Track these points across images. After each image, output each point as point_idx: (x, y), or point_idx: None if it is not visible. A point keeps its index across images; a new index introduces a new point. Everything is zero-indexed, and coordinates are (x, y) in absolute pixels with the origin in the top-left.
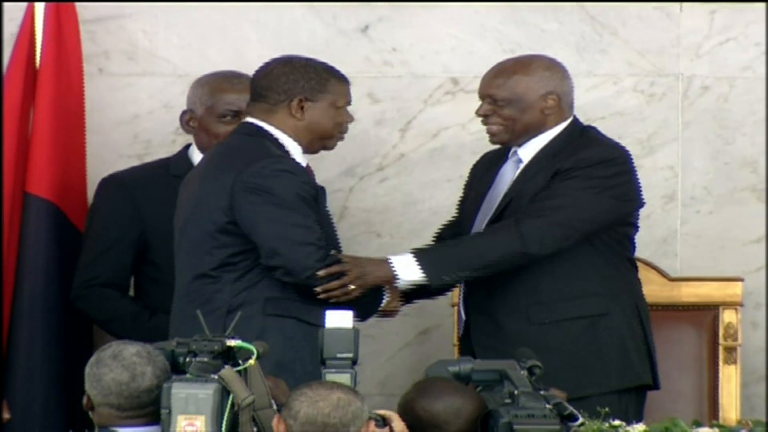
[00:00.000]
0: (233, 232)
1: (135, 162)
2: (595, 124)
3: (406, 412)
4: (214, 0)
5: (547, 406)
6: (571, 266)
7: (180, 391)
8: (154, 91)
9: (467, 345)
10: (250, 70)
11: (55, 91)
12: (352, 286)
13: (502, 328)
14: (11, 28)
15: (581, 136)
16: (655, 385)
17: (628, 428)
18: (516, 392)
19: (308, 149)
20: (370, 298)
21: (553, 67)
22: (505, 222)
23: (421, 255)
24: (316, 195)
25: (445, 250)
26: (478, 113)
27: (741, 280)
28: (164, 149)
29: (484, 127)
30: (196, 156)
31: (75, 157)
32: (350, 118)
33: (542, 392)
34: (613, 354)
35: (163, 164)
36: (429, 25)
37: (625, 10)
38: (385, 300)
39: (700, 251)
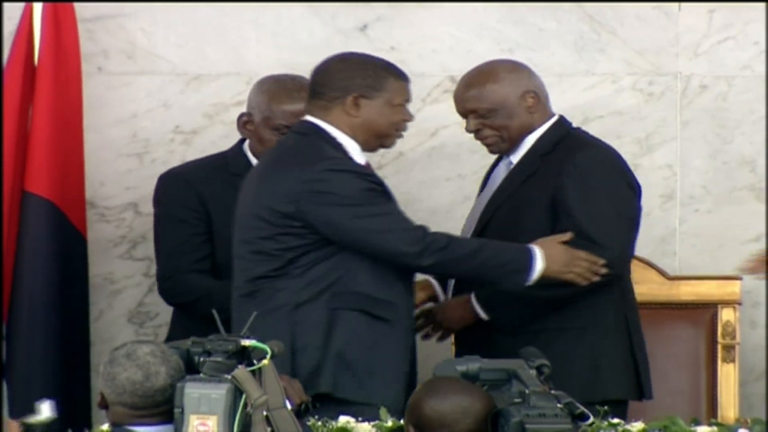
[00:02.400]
0: (295, 233)
1: (134, 161)
2: (593, 123)
3: (414, 411)
4: (214, 0)
5: (559, 405)
6: None
7: (193, 390)
8: (152, 89)
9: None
10: (247, 69)
11: (53, 90)
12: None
13: (490, 337)
14: (9, 27)
15: (568, 136)
16: (641, 396)
17: (627, 426)
18: (527, 391)
19: (366, 147)
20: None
21: (516, 68)
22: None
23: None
24: (383, 185)
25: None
26: (468, 130)
27: (739, 278)
28: (163, 148)
29: None
30: (252, 156)
31: (73, 155)
32: (409, 117)
33: (552, 391)
34: (579, 368)
35: (220, 159)
36: (427, 24)
37: (623, 9)
38: None
39: (698, 250)
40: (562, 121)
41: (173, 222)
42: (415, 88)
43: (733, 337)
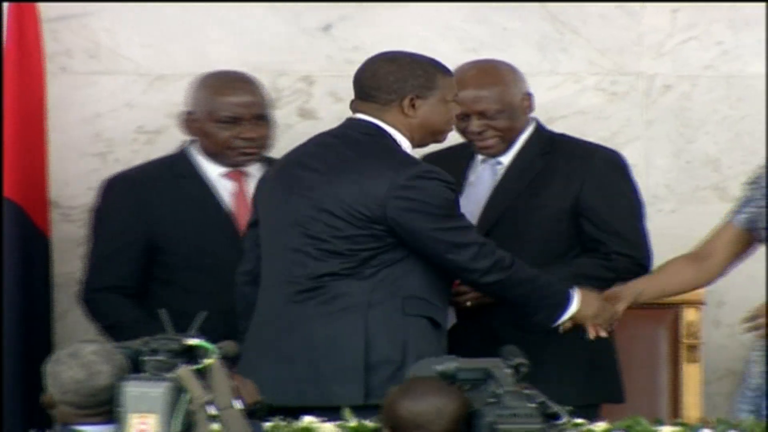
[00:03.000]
0: (376, 236)
1: (97, 161)
2: (557, 123)
3: (389, 412)
4: (176, 0)
5: (531, 405)
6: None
7: (133, 389)
8: (116, 89)
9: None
10: (212, 68)
11: (17, 90)
12: None
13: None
14: None
15: (554, 136)
16: (616, 400)
17: (590, 426)
18: (500, 391)
19: (419, 144)
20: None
21: (514, 70)
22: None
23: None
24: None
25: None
26: (470, 130)
27: None
28: (126, 148)
29: None
30: (198, 156)
31: (37, 155)
32: (459, 110)
33: (527, 391)
34: (576, 368)
35: (164, 163)
36: (392, 24)
37: (586, 8)
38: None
39: (662, 249)
40: (538, 122)
41: (106, 232)
42: None
43: (697, 337)
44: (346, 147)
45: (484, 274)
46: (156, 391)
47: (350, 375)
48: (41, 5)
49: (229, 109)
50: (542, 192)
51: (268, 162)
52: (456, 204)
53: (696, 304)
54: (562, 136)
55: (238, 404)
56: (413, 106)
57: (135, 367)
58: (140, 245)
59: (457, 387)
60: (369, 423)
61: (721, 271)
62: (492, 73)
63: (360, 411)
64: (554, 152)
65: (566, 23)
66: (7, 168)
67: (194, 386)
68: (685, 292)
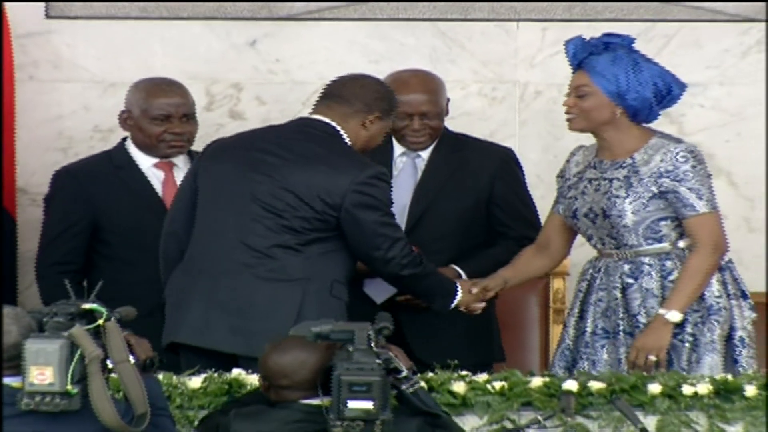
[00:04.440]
0: (328, 221)
1: (60, 155)
2: (447, 123)
3: (262, 365)
4: (126, 18)
5: (377, 361)
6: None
7: (32, 345)
8: (75, 94)
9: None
10: (155, 75)
11: None
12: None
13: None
14: None
15: (458, 136)
16: (499, 360)
17: (473, 377)
18: (351, 349)
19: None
20: (445, 295)
21: (440, 78)
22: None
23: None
24: None
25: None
26: (412, 128)
27: (567, 253)
28: (84, 144)
29: None
30: (133, 149)
31: (6, 150)
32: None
33: (378, 350)
34: (480, 334)
35: (105, 157)
36: (306, 40)
37: (470, 27)
38: (460, 297)
39: None
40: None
41: (54, 216)
42: (296, 94)
43: (563, 303)
44: (312, 142)
45: (404, 268)
46: (52, 346)
47: (278, 336)
48: (11, 23)
49: (161, 108)
50: (461, 185)
51: (191, 155)
52: (392, 202)
53: (562, 274)
54: (464, 135)
55: (131, 359)
56: (372, 122)
57: (41, 329)
58: (83, 227)
59: (329, 345)
60: None
61: (563, 254)
62: (432, 81)
63: None
64: (464, 149)
65: (454, 39)
66: None
67: (87, 343)
68: (540, 276)
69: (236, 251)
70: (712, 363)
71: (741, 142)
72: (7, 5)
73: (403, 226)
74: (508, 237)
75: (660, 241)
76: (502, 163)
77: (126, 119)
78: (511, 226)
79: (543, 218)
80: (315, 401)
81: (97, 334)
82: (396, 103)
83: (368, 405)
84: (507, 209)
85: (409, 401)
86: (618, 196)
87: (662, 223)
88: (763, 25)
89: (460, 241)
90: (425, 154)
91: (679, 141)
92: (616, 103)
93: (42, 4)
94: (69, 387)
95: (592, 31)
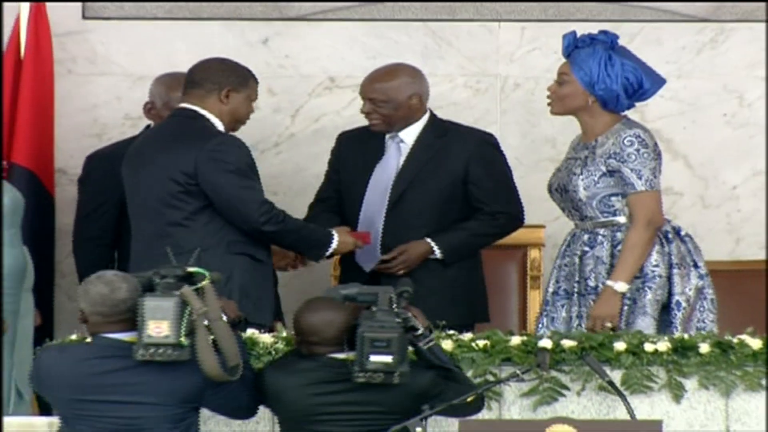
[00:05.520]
0: (196, 192)
1: (95, 140)
2: (436, 111)
3: (295, 323)
4: (153, 19)
5: (397, 320)
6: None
7: (149, 302)
8: (108, 87)
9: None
10: (178, 70)
11: (33, 87)
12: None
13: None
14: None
15: (445, 123)
16: (484, 320)
17: (460, 336)
18: (374, 309)
19: (226, 129)
20: (319, 246)
21: (413, 76)
22: (485, 216)
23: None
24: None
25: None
26: (362, 111)
27: (543, 227)
28: (116, 130)
29: (353, 114)
30: None
31: (47, 135)
32: (253, 110)
33: (398, 310)
34: (466, 294)
35: (132, 142)
36: (312, 38)
37: (457, 26)
38: (335, 245)
39: None
40: (431, 112)
41: (88, 196)
42: (303, 86)
43: (539, 270)
44: (170, 129)
45: (264, 224)
46: (168, 303)
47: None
48: (52, 23)
49: (178, 101)
50: (440, 166)
51: None
52: (251, 169)
53: (538, 245)
54: (451, 122)
55: (224, 317)
56: (228, 96)
57: (145, 291)
58: (112, 205)
59: (355, 306)
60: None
61: None
62: (390, 74)
63: None
64: (446, 135)
65: (443, 38)
66: (24, 144)
67: (194, 300)
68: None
69: (153, 236)
70: (643, 324)
71: (696, 129)
72: (49, 7)
73: (385, 203)
74: (483, 212)
75: (614, 214)
76: (478, 146)
77: (150, 110)
78: (485, 202)
79: (524, 196)
80: (340, 355)
81: (196, 293)
82: (247, 74)
83: (388, 359)
84: (482, 187)
85: (424, 356)
86: (574, 173)
87: (614, 198)
88: (715, 24)
89: (439, 217)
90: (410, 139)
91: (639, 127)
92: (589, 92)
93: (79, 6)
94: (182, 339)
95: (564, 30)
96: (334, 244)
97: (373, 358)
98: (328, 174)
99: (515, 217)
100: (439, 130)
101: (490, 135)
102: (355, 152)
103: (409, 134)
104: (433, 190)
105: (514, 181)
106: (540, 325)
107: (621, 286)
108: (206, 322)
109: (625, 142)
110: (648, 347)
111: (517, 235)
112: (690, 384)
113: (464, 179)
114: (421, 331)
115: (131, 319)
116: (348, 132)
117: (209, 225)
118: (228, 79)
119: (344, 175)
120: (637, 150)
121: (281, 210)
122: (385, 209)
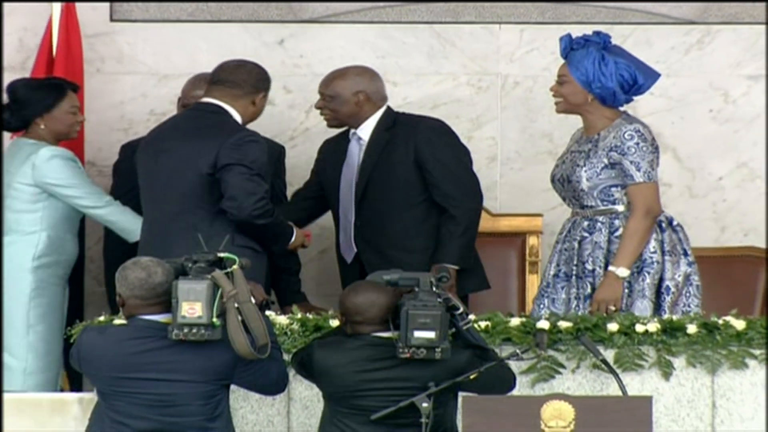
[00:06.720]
0: (213, 184)
1: (122, 135)
2: (440, 108)
3: (341, 304)
4: (176, 21)
5: (438, 300)
6: (428, 223)
7: (184, 285)
8: (134, 85)
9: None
10: (200, 70)
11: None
12: None
13: (386, 256)
14: (40, 22)
15: (397, 115)
16: (485, 287)
17: (471, 317)
18: (417, 290)
19: (245, 122)
20: (285, 240)
21: (363, 75)
22: (450, 216)
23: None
24: (271, 156)
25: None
26: (315, 106)
27: (541, 215)
28: (142, 125)
29: None
30: None
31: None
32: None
33: (438, 291)
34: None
35: None
36: (325, 39)
37: (460, 28)
38: (294, 239)
39: (513, 196)
40: (389, 108)
41: (120, 181)
42: (317, 84)
43: (537, 256)
44: (198, 121)
45: (257, 218)
46: (201, 286)
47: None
48: (82, 25)
49: (195, 98)
50: (393, 156)
51: None
52: (264, 164)
53: (537, 233)
54: (404, 114)
55: (252, 300)
56: (261, 100)
57: (178, 275)
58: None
59: (396, 290)
60: (310, 315)
61: None
62: (341, 73)
63: None
64: (395, 127)
65: (447, 39)
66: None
67: (225, 284)
68: None
69: (172, 221)
70: (641, 307)
71: (684, 124)
72: (78, 10)
73: (353, 199)
74: (445, 216)
75: (613, 203)
76: (424, 132)
77: (180, 105)
78: (439, 186)
79: (523, 187)
80: (384, 334)
81: (227, 277)
82: (270, 79)
83: (431, 335)
84: (433, 172)
85: (463, 336)
86: (578, 165)
87: (614, 189)
88: (702, 26)
89: (404, 203)
90: (366, 137)
91: (638, 122)
92: (587, 90)
93: (107, 9)
94: (214, 319)
95: (561, 31)
96: (293, 239)
97: (417, 334)
98: (311, 174)
99: (472, 206)
100: (389, 122)
101: (438, 121)
102: (331, 155)
103: (366, 131)
104: (392, 179)
105: (467, 164)
106: (540, 306)
107: (623, 272)
108: (236, 304)
109: (626, 136)
110: (639, 328)
111: (517, 224)
112: (678, 362)
113: (416, 164)
114: (461, 310)
115: (167, 302)
116: (329, 138)
117: (219, 216)
118: (264, 84)
119: (323, 176)
120: (637, 143)
121: (273, 206)
122: (354, 204)
